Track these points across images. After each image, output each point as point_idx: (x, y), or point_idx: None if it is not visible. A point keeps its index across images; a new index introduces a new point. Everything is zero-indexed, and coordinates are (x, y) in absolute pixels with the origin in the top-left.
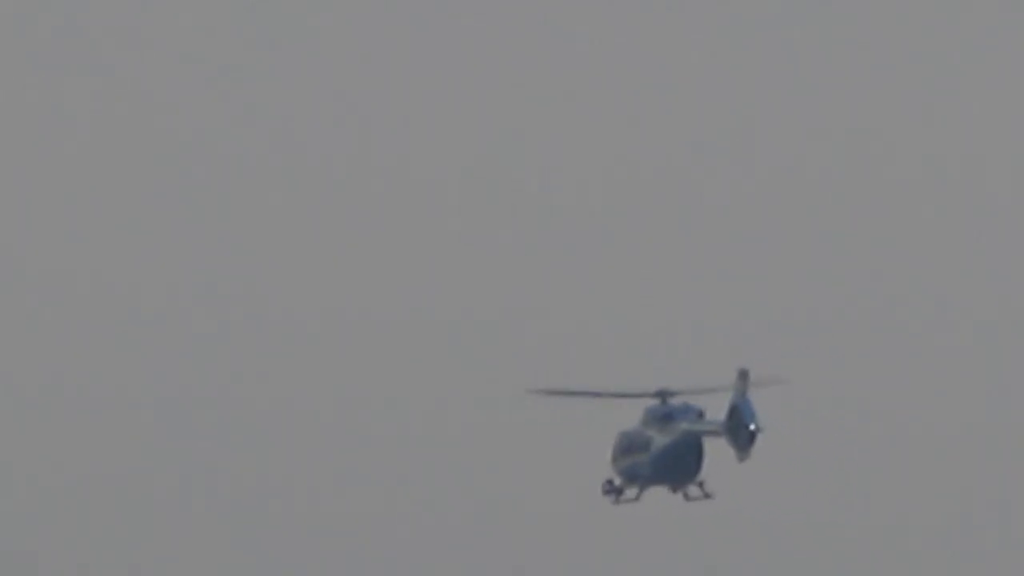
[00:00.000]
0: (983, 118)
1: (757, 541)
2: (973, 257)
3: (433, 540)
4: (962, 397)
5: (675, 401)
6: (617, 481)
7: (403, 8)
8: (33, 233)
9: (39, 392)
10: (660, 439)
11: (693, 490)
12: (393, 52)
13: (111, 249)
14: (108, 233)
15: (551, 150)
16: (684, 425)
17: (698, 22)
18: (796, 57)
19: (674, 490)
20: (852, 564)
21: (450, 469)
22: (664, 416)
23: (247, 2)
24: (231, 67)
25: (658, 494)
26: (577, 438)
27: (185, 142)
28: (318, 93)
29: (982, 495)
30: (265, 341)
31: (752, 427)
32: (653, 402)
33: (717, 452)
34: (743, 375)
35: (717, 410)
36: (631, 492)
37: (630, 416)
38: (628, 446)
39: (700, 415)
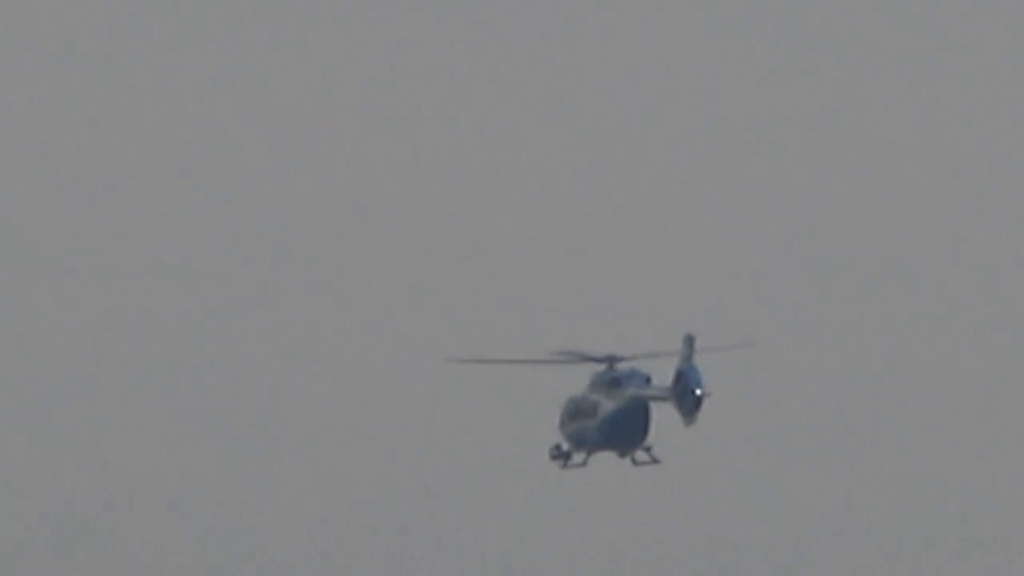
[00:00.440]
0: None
1: (705, 505)
2: (923, 212)
3: (383, 509)
4: (908, 360)
5: (622, 367)
6: (565, 446)
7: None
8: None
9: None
10: (607, 404)
11: (640, 455)
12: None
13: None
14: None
15: (482, 105)
16: (631, 390)
17: None
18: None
19: (621, 455)
20: (797, 527)
21: (399, 434)
22: (611, 381)
23: None
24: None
25: (605, 459)
26: (525, 404)
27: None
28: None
29: (934, 459)
30: (181, 299)
31: (698, 392)
32: (601, 367)
33: (664, 417)
34: (689, 340)
35: (664, 376)
36: (579, 457)
37: (578, 381)
38: (576, 411)
39: (647, 380)
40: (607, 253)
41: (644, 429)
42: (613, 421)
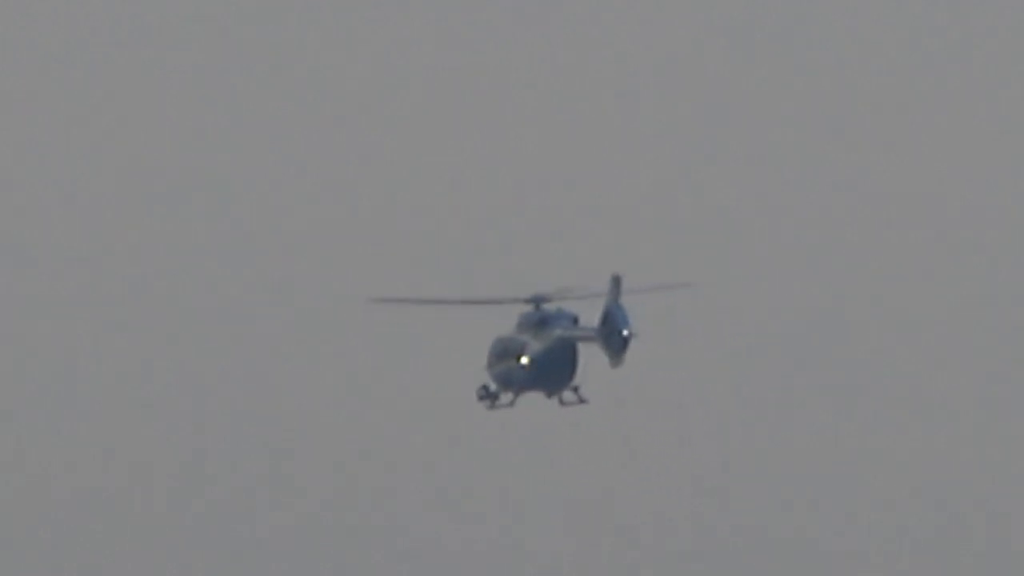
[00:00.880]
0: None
1: (628, 445)
2: (843, 142)
3: (305, 455)
4: (835, 301)
5: (549, 307)
6: (492, 387)
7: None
8: None
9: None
10: (534, 345)
11: (568, 395)
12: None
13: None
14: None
15: (403, 57)
16: (558, 331)
17: None
18: None
19: (549, 395)
20: (722, 465)
21: (323, 374)
22: (538, 322)
23: None
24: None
25: (533, 399)
26: (453, 344)
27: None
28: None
29: (866, 402)
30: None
31: (625, 333)
32: (528, 308)
33: (591, 358)
34: (616, 281)
35: (591, 316)
36: (506, 398)
37: (506, 322)
38: (503, 352)
39: (574, 321)
40: (533, 193)
41: (571, 369)
42: (540, 361)
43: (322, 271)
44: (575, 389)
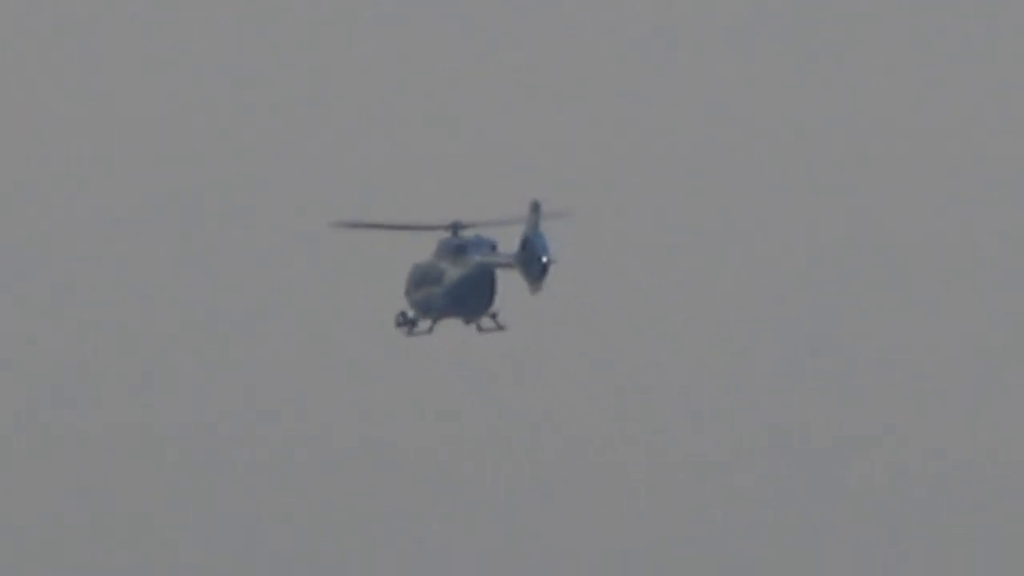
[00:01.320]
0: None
1: (549, 372)
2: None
3: (223, 372)
4: (756, 235)
5: (468, 233)
6: (411, 313)
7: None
8: None
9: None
10: (453, 271)
11: (486, 322)
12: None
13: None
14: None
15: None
16: (477, 257)
17: None
18: None
19: (467, 322)
20: (641, 390)
21: (244, 300)
22: (457, 248)
23: None
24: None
25: (451, 326)
26: (370, 271)
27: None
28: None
29: (772, 324)
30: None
31: (544, 259)
32: (446, 234)
33: (509, 284)
34: (535, 207)
35: (510, 243)
36: (424, 324)
37: (424, 249)
38: (421, 278)
39: (493, 247)
40: (453, 118)
41: (490, 296)
42: (458, 288)
43: (247, 200)
44: (493, 315)
